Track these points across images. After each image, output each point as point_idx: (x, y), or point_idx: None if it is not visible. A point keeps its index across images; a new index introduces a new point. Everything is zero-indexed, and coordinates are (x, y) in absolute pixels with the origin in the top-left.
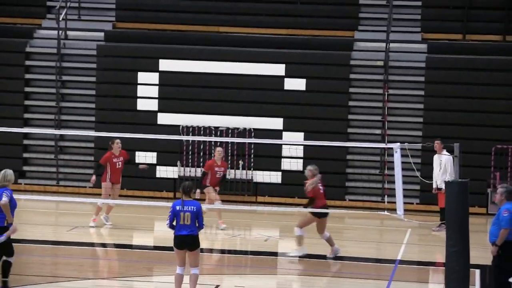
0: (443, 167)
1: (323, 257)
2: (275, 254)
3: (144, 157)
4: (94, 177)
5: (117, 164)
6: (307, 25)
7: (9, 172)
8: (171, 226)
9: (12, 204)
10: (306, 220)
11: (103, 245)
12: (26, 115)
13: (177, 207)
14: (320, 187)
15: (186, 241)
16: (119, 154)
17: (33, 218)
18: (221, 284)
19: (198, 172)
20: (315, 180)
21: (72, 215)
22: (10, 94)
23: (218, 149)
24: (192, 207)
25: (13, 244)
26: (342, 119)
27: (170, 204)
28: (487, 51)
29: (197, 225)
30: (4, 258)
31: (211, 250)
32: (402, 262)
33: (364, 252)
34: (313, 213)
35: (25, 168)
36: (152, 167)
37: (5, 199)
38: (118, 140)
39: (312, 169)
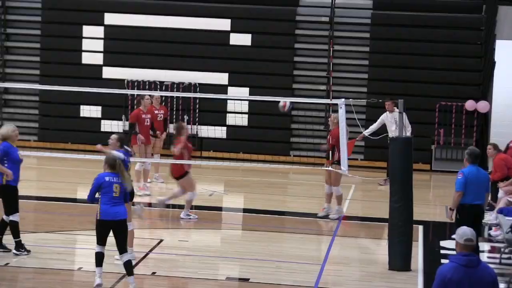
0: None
1: (265, 212)
2: (219, 208)
3: (89, 111)
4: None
5: (146, 121)
6: None
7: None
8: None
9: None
10: (337, 175)
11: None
12: None
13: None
14: None
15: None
16: (147, 111)
17: None
18: (165, 239)
19: None
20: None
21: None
22: None
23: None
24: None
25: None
26: (287, 74)
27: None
28: (431, 8)
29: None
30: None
31: (153, 205)
32: (346, 218)
33: (308, 208)
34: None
35: None
36: (97, 121)
37: None
38: (147, 96)
39: None
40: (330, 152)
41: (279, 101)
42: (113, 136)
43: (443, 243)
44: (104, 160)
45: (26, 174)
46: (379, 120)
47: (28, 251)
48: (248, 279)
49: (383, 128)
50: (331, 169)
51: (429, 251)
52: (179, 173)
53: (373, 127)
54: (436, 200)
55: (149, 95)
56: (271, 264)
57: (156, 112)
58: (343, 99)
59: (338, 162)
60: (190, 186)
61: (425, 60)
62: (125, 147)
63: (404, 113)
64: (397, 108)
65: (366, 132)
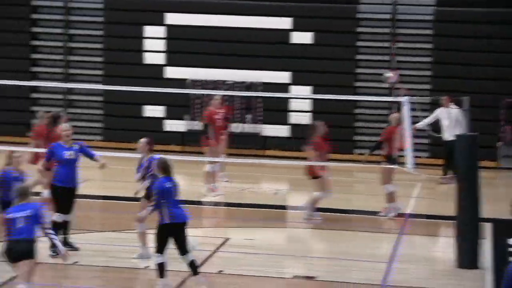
0: (454, 121)
1: (331, 210)
2: (284, 207)
3: (152, 110)
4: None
5: (217, 121)
6: None
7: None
8: None
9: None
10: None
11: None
12: (34, 69)
13: None
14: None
15: None
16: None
17: None
18: (231, 238)
19: None
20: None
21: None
22: (16, 47)
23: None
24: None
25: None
26: (349, 72)
27: (178, 157)
28: (492, 3)
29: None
30: None
31: (219, 204)
32: (412, 215)
33: (374, 206)
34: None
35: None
36: (160, 120)
37: None
38: (217, 96)
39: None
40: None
41: (341, 100)
42: (143, 140)
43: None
44: (156, 164)
45: (91, 174)
46: (433, 115)
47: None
48: (315, 277)
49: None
50: (396, 166)
51: (497, 249)
52: (315, 174)
53: (427, 121)
54: (504, 198)
55: (217, 95)
56: (338, 262)
57: (218, 111)
58: (406, 97)
59: (389, 159)
60: (323, 186)
61: (490, 56)
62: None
63: (461, 109)
64: (454, 104)
65: (419, 125)
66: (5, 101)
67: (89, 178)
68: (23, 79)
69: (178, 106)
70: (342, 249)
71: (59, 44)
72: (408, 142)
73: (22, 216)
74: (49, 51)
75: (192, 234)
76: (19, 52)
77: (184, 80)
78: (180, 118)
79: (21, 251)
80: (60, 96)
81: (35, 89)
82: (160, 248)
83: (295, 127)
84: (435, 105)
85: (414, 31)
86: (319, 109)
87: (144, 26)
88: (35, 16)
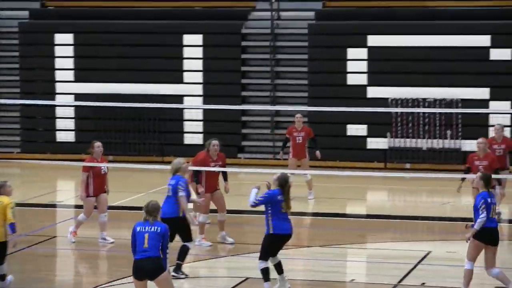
0: None
1: None
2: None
3: (355, 129)
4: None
5: (297, 138)
6: None
7: (176, 161)
8: None
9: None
10: None
11: (314, 214)
12: (244, 93)
13: None
14: None
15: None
16: (300, 129)
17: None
18: (433, 250)
19: (408, 143)
20: None
21: None
22: (228, 73)
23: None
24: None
25: (191, 231)
26: None
27: (380, 174)
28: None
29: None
30: (182, 243)
31: (421, 218)
32: None
33: None
34: None
35: (244, 143)
36: (362, 138)
37: (181, 193)
38: (298, 115)
39: None
40: None
41: None
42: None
43: None
44: (276, 177)
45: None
46: None
47: (186, 275)
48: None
49: None
50: None
51: None
52: None
53: None
54: None
55: (297, 116)
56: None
57: (295, 134)
58: None
59: None
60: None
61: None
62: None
63: None
64: None
65: None
66: (218, 124)
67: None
68: (234, 103)
69: (380, 124)
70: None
71: (267, 69)
72: None
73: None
74: (257, 76)
75: (395, 247)
76: (231, 78)
77: (385, 99)
78: (382, 136)
79: None
80: (268, 118)
81: (244, 112)
82: (267, 255)
83: None
84: None
85: None
86: None
87: (347, 49)
88: (244, 43)
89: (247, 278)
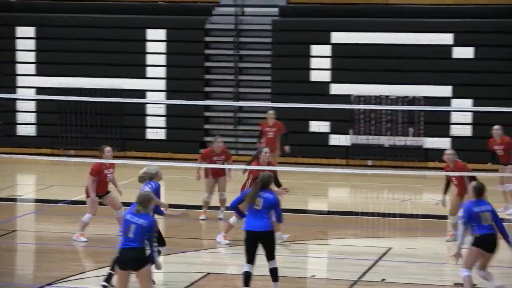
0: None
1: None
2: (445, 217)
3: (318, 126)
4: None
5: (269, 134)
6: None
7: (152, 167)
8: None
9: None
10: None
11: None
12: (207, 89)
13: None
14: None
15: None
16: (272, 125)
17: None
18: (393, 247)
19: (370, 140)
20: None
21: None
22: (191, 69)
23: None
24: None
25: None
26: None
27: (342, 170)
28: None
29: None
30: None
31: (382, 214)
32: None
33: None
34: None
35: (206, 139)
36: (325, 135)
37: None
38: (270, 111)
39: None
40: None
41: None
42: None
43: None
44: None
45: None
46: None
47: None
48: (475, 284)
49: None
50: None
51: None
52: None
53: None
54: None
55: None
56: (500, 270)
57: (267, 129)
58: None
59: None
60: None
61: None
62: None
63: None
64: None
65: None
66: (181, 120)
67: None
68: (197, 99)
69: (343, 121)
70: (503, 256)
71: (230, 64)
72: None
73: None
74: (221, 71)
75: (356, 243)
76: (194, 73)
77: (348, 96)
78: (344, 132)
79: None
80: (231, 114)
81: (208, 108)
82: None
83: (457, 139)
84: None
85: None
86: (480, 121)
87: (311, 45)
88: (208, 39)
89: (208, 274)
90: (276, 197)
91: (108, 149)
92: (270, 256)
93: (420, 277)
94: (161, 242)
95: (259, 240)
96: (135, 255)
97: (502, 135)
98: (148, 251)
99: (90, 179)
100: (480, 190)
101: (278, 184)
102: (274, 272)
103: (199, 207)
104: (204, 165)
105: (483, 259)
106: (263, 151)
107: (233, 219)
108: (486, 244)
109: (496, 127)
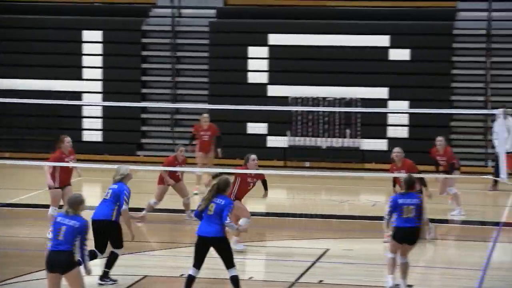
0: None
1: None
2: (382, 218)
3: (255, 128)
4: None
5: (204, 137)
6: None
7: (124, 167)
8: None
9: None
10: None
11: None
12: (144, 90)
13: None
14: None
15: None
16: (207, 128)
17: (151, 187)
18: (331, 248)
19: (307, 141)
20: None
21: (189, 184)
22: (128, 70)
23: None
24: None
25: (122, 237)
26: (444, 87)
27: (279, 172)
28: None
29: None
30: (111, 249)
31: (320, 216)
32: (506, 224)
33: (468, 215)
34: None
35: (143, 140)
36: (262, 136)
37: (125, 207)
38: (205, 115)
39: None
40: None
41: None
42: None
43: None
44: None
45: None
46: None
47: (114, 281)
48: (412, 285)
49: None
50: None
51: None
52: None
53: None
54: None
55: (204, 115)
56: (434, 270)
57: (201, 132)
58: (502, 109)
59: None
60: None
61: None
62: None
63: None
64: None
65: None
66: (118, 122)
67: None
68: (134, 101)
69: (280, 123)
70: (438, 258)
71: (168, 66)
72: (501, 153)
73: None
74: (158, 73)
75: (294, 245)
76: (131, 75)
77: (286, 97)
78: (282, 134)
79: None
80: (168, 116)
81: (145, 109)
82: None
83: (393, 140)
84: None
85: (510, 46)
86: (416, 123)
87: (248, 47)
88: (145, 40)
89: (145, 276)
90: (229, 202)
91: (68, 139)
92: (228, 264)
93: (356, 278)
94: (119, 245)
95: (211, 246)
96: (64, 258)
97: (445, 146)
98: (77, 255)
99: (46, 166)
100: (409, 183)
101: (266, 188)
102: (233, 281)
103: (139, 209)
104: (161, 168)
105: (403, 248)
106: (250, 158)
107: (242, 220)
108: (399, 235)
109: (439, 138)
